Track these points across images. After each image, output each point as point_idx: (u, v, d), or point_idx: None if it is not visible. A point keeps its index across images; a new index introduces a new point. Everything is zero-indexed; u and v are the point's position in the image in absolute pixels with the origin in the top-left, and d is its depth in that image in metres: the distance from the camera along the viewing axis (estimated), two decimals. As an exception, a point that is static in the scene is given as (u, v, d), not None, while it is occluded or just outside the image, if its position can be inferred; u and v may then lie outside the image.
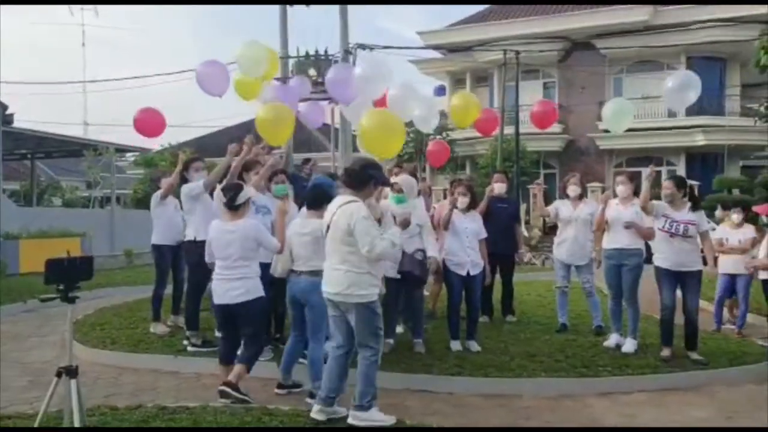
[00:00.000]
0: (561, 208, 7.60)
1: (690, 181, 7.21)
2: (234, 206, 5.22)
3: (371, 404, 4.51)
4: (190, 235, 6.75)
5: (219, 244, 5.25)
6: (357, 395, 4.54)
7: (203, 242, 6.53)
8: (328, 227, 4.59)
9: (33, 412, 4.35)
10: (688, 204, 6.50)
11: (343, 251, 4.51)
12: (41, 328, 8.87)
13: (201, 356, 6.57)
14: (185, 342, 6.82)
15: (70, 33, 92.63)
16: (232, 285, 5.18)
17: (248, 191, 5.40)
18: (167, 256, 7.49)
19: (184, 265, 7.17)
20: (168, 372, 6.44)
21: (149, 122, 7.62)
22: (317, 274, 4.90)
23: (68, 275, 3.64)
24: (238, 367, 5.25)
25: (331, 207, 4.65)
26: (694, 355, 6.42)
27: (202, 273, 6.74)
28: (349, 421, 4.52)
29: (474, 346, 6.67)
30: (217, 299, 5.28)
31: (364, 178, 4.63)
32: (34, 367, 6.71)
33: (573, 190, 7.53)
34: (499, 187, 7.92)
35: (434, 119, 8.07)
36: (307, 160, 9.08)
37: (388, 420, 4.56)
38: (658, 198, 6.68)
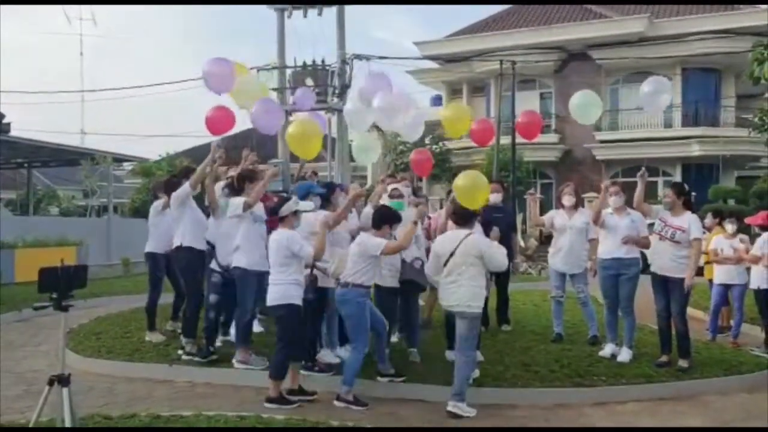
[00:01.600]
0: (555, 217, 7.62)
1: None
2: (280, 217, 5.60)
3: (464, 398, 5.40)
4: (176, 242, 6.77)
5: (270, 251, 5.67)
6: (457, 388, 5.40)
7: (189, 248, 6.61)
8: (452, 253, 5.46)
9: (25, 421, 4.34)
10: (686, 212, 6.55)
11: (471, 271, 5.43)
12: (35, 337, 8.85)
13: (196, 365, 6.56)
14: (180, 351, 6.80)
15: (68, 42, 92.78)
16: (270, 289, 5.59)
17: (292, 204, 5.65)
18: (161, 264, 7.52)
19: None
20: (163, 381, 6.43)
21: (220, 119, 7.51)
22: (357, 287, 5.59)
23: (62, 284, 3.64)
24: (271, 384, 5.54)
25: (454, 237, 5.58)
26: (681, 362, 6.45)
27: (197, 280, 6.76)
28: (449, 408, 5.34)
29: (478, 356, 6.61)
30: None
31: (469, 217, 5.78)
32: (27, 376, 6.69)
33: (567, 199, 7.57)
34: (494, 197, 7.92)
35: (420, 127, 8.04)
36: (313, 173, 9.14)
37: (472, 412, 5.37)
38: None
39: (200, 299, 6.83)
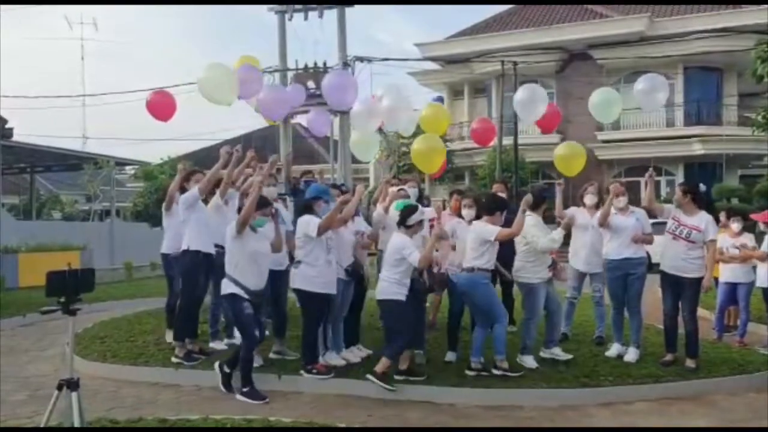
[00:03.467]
0: (577, 215, 7.38)
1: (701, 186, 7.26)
2: (405, 225, 6.02)
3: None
4: (183, 245, 6.74)
5: (386, 252, 6.13)
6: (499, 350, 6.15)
7: (197, 252, 6.59)
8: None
9: (32, 425, 4.33)
10: (701, 212, 6.54)
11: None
12: (40, 342, 8.84)
13: (202, 369, 6.55)
14: (174, 359, 6.78)
15: (69, 47, 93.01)
16: (378, 284, 6.09)
17: (418, 215, 6.06)
18: (172, 264, 7.46)
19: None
20: (169, 385, 6.41)
21: (160, 104, 7.50)
22: (481, 270, 6.13)
23: (69, 287, 3.63)
24: (382, 359, 5.94)
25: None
26: (688, 363, 6.43)
27: (194, 284, 6.74)
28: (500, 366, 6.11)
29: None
30: None
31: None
32: (32, 381, 6.68)
33: (590, 198, 7.45)
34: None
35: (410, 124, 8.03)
36: (307, 172, 9.12)
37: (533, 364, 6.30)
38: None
39: (193, 302, 6.79)
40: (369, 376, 5.89)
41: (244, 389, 5.83)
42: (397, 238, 6.00)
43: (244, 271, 5.81)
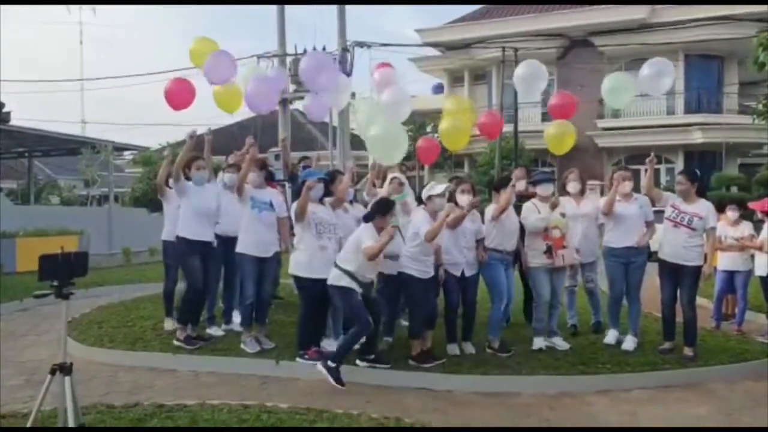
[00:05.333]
0: (566, 205, 7.18)
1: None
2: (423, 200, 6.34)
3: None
4: (177, 232, 6.77)
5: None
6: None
7: (184, 239, 6.60)
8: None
9: (28, 411, 4.31)
10: (701, 200, 6.53)
11: None
12: (37, 327, 8.83)
13: (199, 354, 6.55)
14: (175, 342, 6.78)
15: (68, 31, 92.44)
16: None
17: (428, 189, 6.28)
18: (169, 250, 7.44)
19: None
20: (166, 370, 6.40)
21: (180, 92, 7.33)
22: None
23: (62, 271, 3.59)
24: (412, 344, 6.27)
25: None
26: (686, 351, 6.42)
27: (190, 270, 6.72)
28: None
29: (469, 347, 6.57)
30: None
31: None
32: (29, 365, 6.66)
33: (573, 186, 7.32)
34: (520, 184, 7.40)
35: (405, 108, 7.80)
36: (304, 158, 9.06)
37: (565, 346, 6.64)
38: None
39: (197, 290, 6.76)
40: (411, 362, 6.10)
41: (331, 364, 5.69)
42: (416, 213, 6.27)
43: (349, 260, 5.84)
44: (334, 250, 6.16)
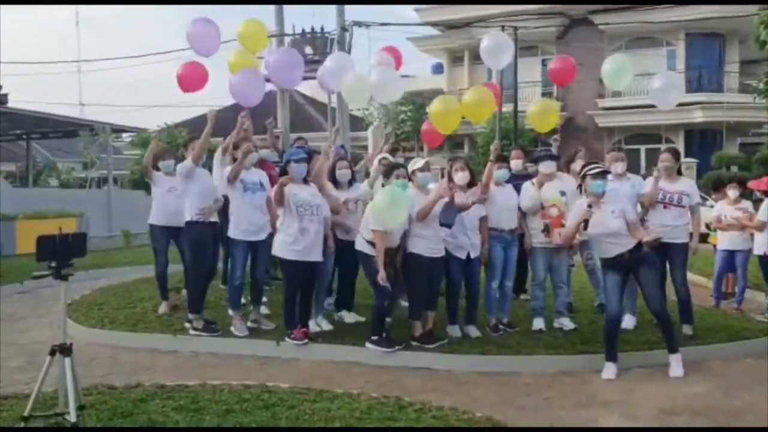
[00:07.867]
0: (567, 183, 7.01)
1: (689, 160, 7.18)
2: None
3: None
4: (186, 216, 6.65)
5: None
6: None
7: (196, 223, 6.53)
8: None
9: (29, 392, 4.32)
10: (681, 177, 6.70)
11: None
12: (37, 309, 8.85)
13: (198, 335, 6.55)
14: (187, 324, 6.74)
15: (64, 11, 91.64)
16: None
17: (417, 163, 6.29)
18: (156, 234, 7.41)
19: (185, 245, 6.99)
20: (166, 351, 6.43)
21: (192, 76, 7.28)
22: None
23: (60, 252, 3.58)
24: (413, 324, 6.25)
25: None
26: (686, 329, 6.45)
27: (202, 256, 6.69)
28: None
29: (473, 331, 6.52)
30: None
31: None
32: (29, 347, 6.68)
33: (579, 164, 7.31)
34: (515, 164, 7.52)
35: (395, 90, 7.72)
36: (299, 138, 9.02)
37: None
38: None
39: (204, 273, 6.78)
40: (414, 343, 6.08)
41: (374, 338, 6.01)
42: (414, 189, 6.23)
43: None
44: (316, 231, 6.15)
